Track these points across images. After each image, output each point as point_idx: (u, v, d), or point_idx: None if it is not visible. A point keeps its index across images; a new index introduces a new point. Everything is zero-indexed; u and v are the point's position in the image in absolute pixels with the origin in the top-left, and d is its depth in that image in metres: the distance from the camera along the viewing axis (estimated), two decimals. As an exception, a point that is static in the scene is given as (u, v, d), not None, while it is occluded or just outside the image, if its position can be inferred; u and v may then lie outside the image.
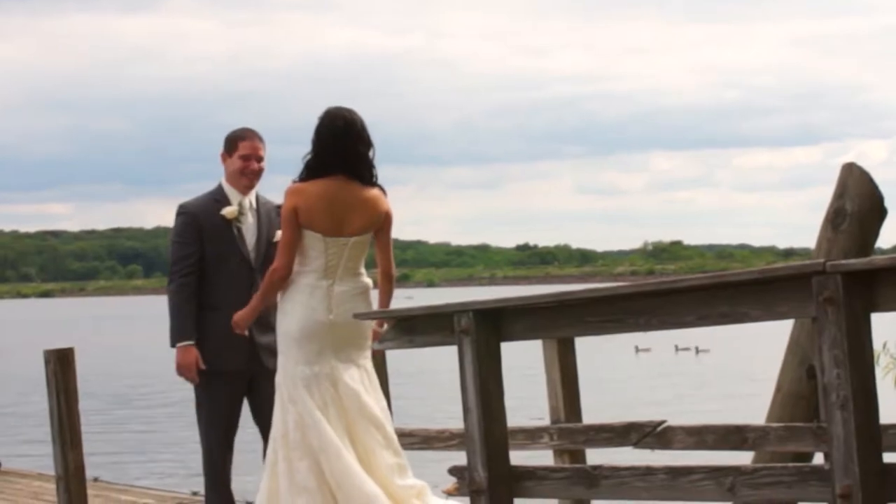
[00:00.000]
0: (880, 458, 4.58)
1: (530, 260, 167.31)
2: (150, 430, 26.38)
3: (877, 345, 5.27)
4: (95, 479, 10.93)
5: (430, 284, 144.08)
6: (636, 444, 6.90)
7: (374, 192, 6.48)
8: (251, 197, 7.17)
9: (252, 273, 6.95)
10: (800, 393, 6.56)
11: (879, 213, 6.39)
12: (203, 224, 7.04)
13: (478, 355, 5.58)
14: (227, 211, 7.06)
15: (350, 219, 6.41)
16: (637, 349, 43.28)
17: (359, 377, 6.43)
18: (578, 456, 7.47)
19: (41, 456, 13.87)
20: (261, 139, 7.17)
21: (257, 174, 7.15)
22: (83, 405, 8.18)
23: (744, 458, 6.59)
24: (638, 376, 35.67)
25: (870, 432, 4.52)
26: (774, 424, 6.50)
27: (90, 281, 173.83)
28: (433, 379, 31.74)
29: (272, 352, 6.62)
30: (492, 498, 5.58)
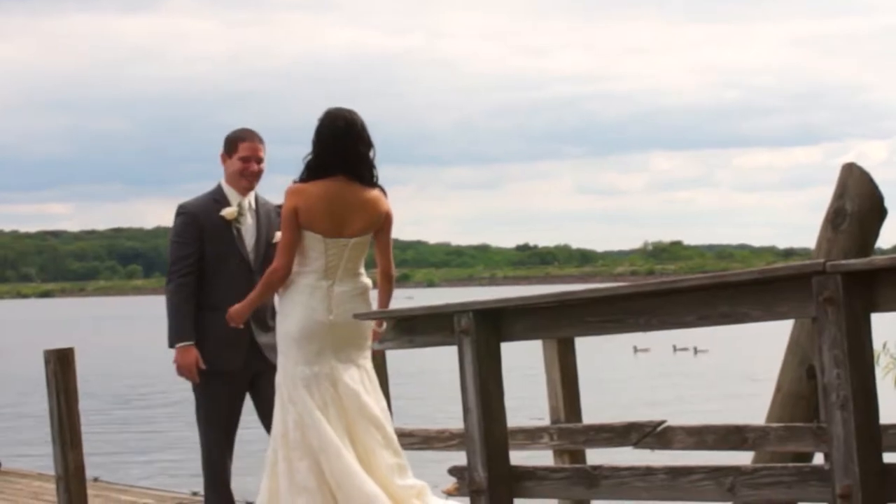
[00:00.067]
0: (880, 458, 4.58)
1: (530, 260, 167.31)
2: (149, 430, 26.38)
3: (877, 345, 5.27)
4: (95, 480, 10.93)
5: (430, 284, 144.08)
6: (636, 445, 6.90)
7: (375, 192, 6.48)
8: (250, 198, 7.17)
9: (251, 274, 6.95)
10: (800, 393, 6.56)
11: (879, 213, 6.40)
12: (203, 224, 7.04)
13: (478, 355, 5.58)
14: (227, 212, 7.06)
15: (350, 220, 6.41)
16: (636, 349, 43.27)
17: (359, 377, 6.43)
18: (578, 456, 7.47)
19: (41, 456, 13.87)
20: (261, 140, 7.17)
21: (257, 176, 7.15)
22: (83, 405, 8.18)
23: (744, 458, 6.59)
24: (637, 376, 35.65)
25: (870, 432, 4.52)
26: (774, 424, 6.50)
27: (90, 281, 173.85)
28: (433, 379, 31.74)
29: (274, 348, 6.62)
30: (492, 498, 5.58)
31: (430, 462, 7.37)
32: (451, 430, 7.59)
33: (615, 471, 5.32)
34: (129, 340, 60.25)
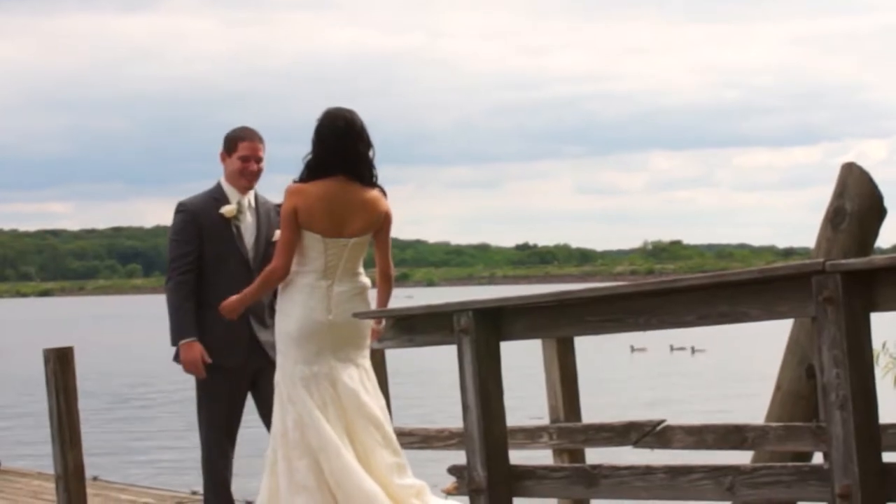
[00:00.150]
0: (879, 457, 4.59)
1: (530, 259, 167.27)
2: (149, 429, 26.38)
3: (876, 344, 5.26)
4: (95, 479, 10.93)
5: (430, 284, 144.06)
6: (636, 444, 6.90)
7: (374, 193, 6.48)
8: (250, 196, 7.18)
9: (251, 272, 6.95)
10: (799, 392, 6.56)
11: (879, 212, 6.39)
12: (202, 222, 7.04)
13: (477, 355, 5.58)
14: (226, 209, 7.06)
15: (350, 220, 6.41)
16: (632, 349, 43.26)
17: (357, 377, 6.43)
18: (578, 455, 7.47)
19: (41, 455, 13.87)
20: (261, 140, 7.17)
21: (256, 175, 7.15)
22: (82, 404, 8.18)
23: (743, 457, 6.59)
24: (635, 376, 35.65)
25: (869, 432, 4.52)
26: (774, 424, 6.50)
27: (90, 280, 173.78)
28: (432, 378, 31.74)
29: (274, 346, 6.62)
30: (491, 497, 5.58)
31: (430, 461, 7.37)
32: (451, 430, 7.59)
33: (615, 470, 5.32)
34: (129, 340, 60.25)
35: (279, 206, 6.73)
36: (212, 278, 6.99)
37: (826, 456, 4.72)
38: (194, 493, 10.27)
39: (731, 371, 35.38)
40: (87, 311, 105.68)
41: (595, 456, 7.19)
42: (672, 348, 43.17)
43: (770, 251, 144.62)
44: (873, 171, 6.37)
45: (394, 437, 6.44)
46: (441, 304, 5.94)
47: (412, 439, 7.54)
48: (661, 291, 5.11)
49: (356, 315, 6.39)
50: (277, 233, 6.65)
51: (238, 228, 7.10)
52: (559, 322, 5.54)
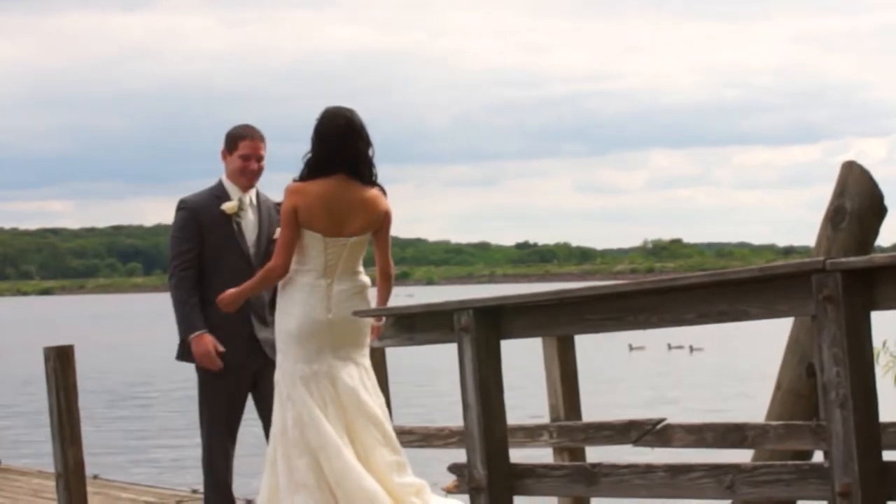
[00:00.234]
0: (880, 456, 4.58)
1: (530, 258, 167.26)
2: (149, 427, 26.37)
3: (876, 343, 5.26)
4: (95, 477, 10.93)
5: (430, 282, 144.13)
6: (636, 442, 6.90)
7: (374, 191, 6.48)
8: (251, 194, 7.19)
9: (252, 269, 6.94)
10: (799, 391, 6.56)
11: (879, 211, 6.39)
12: (203, 220, 7.05)
13: (477, 353, 5.58)
14: (227, 206, 7.07)
15: (350, 219, 6.41)
16: (631, 347, 43.26)
17: (357, 375, 6.43)
18: (578, 454, 7.47)
19: (41, 454, 13.87)
20: (262, 138, 7.18)
21: (256, 174, 7.16)
22: (83, 403, 8.18)
23: (743, 456, 6.59)
24: (633, 375, 35.65)
25: (869, 430, 4.52)
26: (774, 422, 6.50)
27: (90, 279, 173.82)
28: (432, 377, 31.74)
29: (274, 345, 6.62)
30: (491, 495, 5.58)
31: (430, 460, 7.37)
32: (451, 428, 7.59)
33: (615, 468, 5.32)
34: (129, 338, 60.28)
35: (279, 204, 6.74)
36: (213, 275, 6.99)
37: (826, 454, 4.72)
38: (195, 491, 10.27)
39: (730, 370, 35.37)
40: (88, 309, 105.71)
41: (595, 454, 7.19)
42: (670, 347, 43.17)
43: (770, 250, 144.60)
44: (873, 169, 6.37)
45: (393, 435, 6.44)
46: (441, 302, 5.93)
47: (412, 438, 7.54)
48: (661, 290, 5.11)
49: (356, 313, 6.40)
50: (279, 230, 6.65)
51: (239, 225, 7.10)
52: (559, 320, 5.54)
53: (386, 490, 6.21)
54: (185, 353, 7.08)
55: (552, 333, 7.11)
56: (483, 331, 5.60)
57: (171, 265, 7.09)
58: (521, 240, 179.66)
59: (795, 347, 6.59)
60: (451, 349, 5.70)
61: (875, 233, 6.44)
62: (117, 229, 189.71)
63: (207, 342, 6.90)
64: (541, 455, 7.72)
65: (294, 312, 6.40)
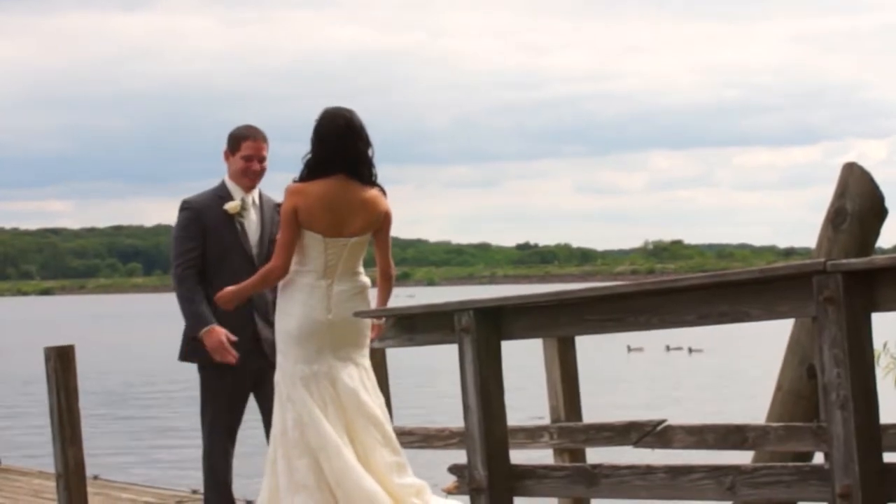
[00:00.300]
0: (880, 457, 4.58)
1: (531, 259, 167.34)
2: (149, 428, 26.37)
3: (877, 344, 5.27)
4: (95, 477, 10.92)
5: (431, 283, 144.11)
6: (636, 444, 6.89)
7: (374, 192, 6.48)
8: (254, 194, 7.20)
9: (255, 269, 6.94)
10: (800, 392, 6.56)
11: (880, 212, 6.39)
12: (206, 220, 7.06)
13: (478, 354, 5.58)
14: (230, 205, 7.08)
15: (350, 220, 6.41)
16: (629, 348, 43.26)
17: (357, 376, 6.43)
18: (578, 455, 7.46)
19: (41, 454, 13.87)
20: (264, 139, 7.19)
21: (259, 175, 7.18)
22: (83, 403, 8.18)
23: (744, 457, 6.59)
24: (633, 376, 35.65)
25: (870, 432, 4.52)
26: (774, 424, 6.49)
27: (90, 279, 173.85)
28: (433, 378, 31.74)
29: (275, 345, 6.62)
30: (492, 496, 5.58)
31: (430, 460, 7.36)
32: (451, 429, 7.58)
33: (615, 469, 5.32)
34: (129, 338, 60.24)
35: (279, 205, 6.74)
36: (216, 275, 6.99)
37: (827, 456, 4.72)
38: (195, 492, 10.27)
39: (729, 371, 35.38)
40: (88, 309, 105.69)
41: (596, 456, 7.18)
42: (668, 348, 43.17)
43: (771, 251, 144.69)
44: (873, 171, 6.37)
45: (393, 436, 6.44)
46: (442, 303, 5.93)
47: (412, 438, 7.54)
48: (662, 291, 5.11)
49: (357, 314, 6.40)
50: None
51: (242, 225, 7.12)
52: (560, 321, 5.53)
53: (386, 491, 6.21)
54: (188, 354, 7.09)
55: (553, 334, 7.10)
56: (484, 332, 5.60)
57: (174, 264, 7.09)
58: (521, 241, 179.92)
59: (796, 348, 6.59)
60: (451, 350, 5.70)
61: (876, 234, 6.43)
62: (118, 229, 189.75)
63: (219, 333, 6.89)
64: (541, 456, 7.72)
65: (294, 313, 6.40)
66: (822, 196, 6.64)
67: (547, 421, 7.70)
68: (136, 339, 57.91)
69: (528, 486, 5.62)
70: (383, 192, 6.54)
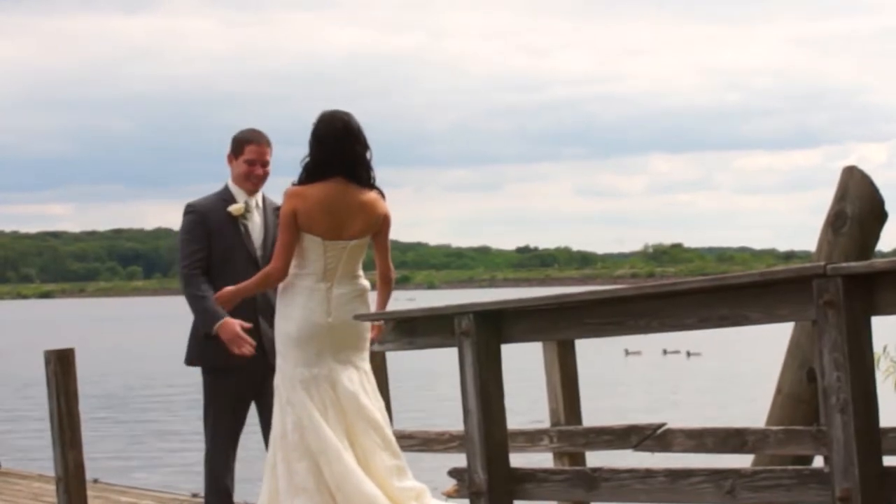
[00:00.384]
0: (880, 461, 4.58)
1: (530, 262, 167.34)
2: (149, 431, 26.38)
3: (877, 348, 5.27)
4: (95, 481, 10.92)
5: (431, 286, 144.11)
6: (636, 447, 6.89)
7: (373, 195, 6.49)
8: (258, 197, 7.22)
9: (258, 271, 6.94)
10: (800, 396, 6.56)
11: (880, 216, 6.39)
12: (211, 223, 7.09)
13: (478, 357, 5.58)
14: (234, 208, 7.10)
15: (349, 223, 6.42)
16: (627, 352, 43.26)
17: (357, 379, 6.43)
18: (578, 458, 7.46)
19: (41, 457, 13.87)
20: (268, 143, 7.20)
21: (262, 179, 7.19)
22: (83, 406, 8.18)
23: (744, 461, 6.59)
24: (631, 379, 35.66)
25: (870, 436, 4.52)
26: (774, 427, 6.49)
27: (90, 282, 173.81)
28: (433, 381, 31.74)
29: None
30: (491, 500, 5.58)
31: (430, 464, 7.37)
32: (451, 432, 7.58)
33: (615, 473, 5.32)
34: (129, 342, 60.27)
35: (278, 208, 6.75)
36: (220, 276, 7.00)
37: (826, 459, 4.72)
38: (195, 495, 10.26)
39: (727, 375, 35.39)
40: (88, 312, 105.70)
41: (595, 459, 7.19)
42: (665, 352, 43.18)
43: (771, 254, 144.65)
44: (873, 174, 6.37)
45: (393, 439, 6.44)
46: (442, 306, 5.93)
47: (412, 442, 7.54)
48: (662, 294, 5.11)
49: (357, 317, 6.40)
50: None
51: (246, 227, 7.14)
52: (559, 325, 5.54)
53: (386, 494, 6.21)
54: (194, 358, 7.10)
55: (553, 338, 7.10)
56: (484, 335, 5.60)
57: (180, 266, 7.11)
58: (521, 244, 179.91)
59: (796, 352, 6.59)
60: (451, 353, 5.70)
61: (876, 238, 6.44)
62: (118, 232, 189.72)
63: (233, 324, 6.86)
64: (541, 460, 7.73)
65: (294, 316, 6.41)
66: (823, 200, 6.65)
67: (547, 424, 7.70)
68: (137, 343, 57.96)
69: (527, 490, 5.62)
70: (382, 194, 6.54)
